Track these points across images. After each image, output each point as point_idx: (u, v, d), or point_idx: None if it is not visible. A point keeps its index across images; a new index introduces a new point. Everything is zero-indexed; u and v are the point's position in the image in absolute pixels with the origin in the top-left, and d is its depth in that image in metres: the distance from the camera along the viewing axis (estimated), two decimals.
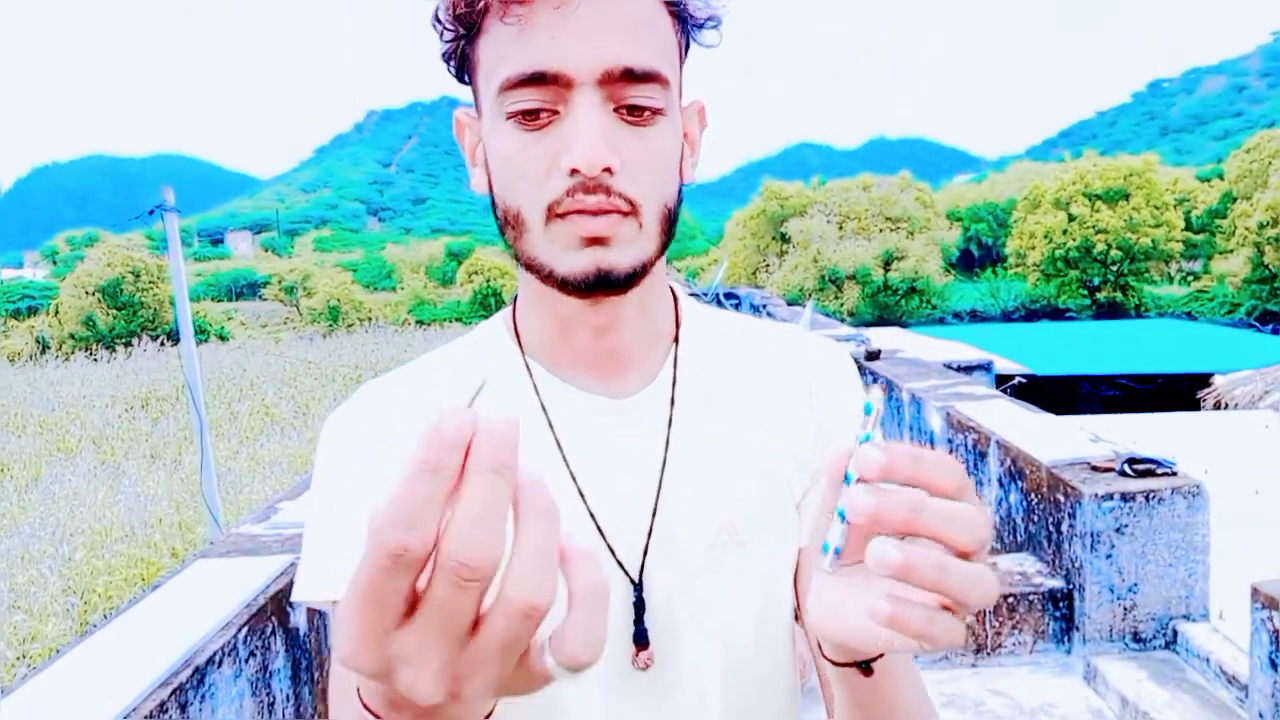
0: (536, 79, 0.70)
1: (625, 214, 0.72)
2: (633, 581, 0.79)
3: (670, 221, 0.76)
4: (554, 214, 0.72)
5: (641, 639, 0.79)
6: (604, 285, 0.73)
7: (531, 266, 0.75)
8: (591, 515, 0.78)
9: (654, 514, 0.80)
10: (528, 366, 0.82)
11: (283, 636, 2.82)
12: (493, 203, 0.77)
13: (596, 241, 0.72)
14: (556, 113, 0.71)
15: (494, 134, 0.74)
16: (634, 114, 0.72)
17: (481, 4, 0.71)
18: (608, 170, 0.70)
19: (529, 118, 0.71)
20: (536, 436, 0.80)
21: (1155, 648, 3.76)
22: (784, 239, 37.31)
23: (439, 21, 0.75)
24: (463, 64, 0.77)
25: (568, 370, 0.82)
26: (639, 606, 0.79)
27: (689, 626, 0.81)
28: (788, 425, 0.87)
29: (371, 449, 0.79)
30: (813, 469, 0.87)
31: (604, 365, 0.81)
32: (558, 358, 0.82)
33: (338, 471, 0.79)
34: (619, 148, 0.71)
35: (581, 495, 0.79)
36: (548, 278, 0.74)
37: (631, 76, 0.71)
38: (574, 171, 0.70)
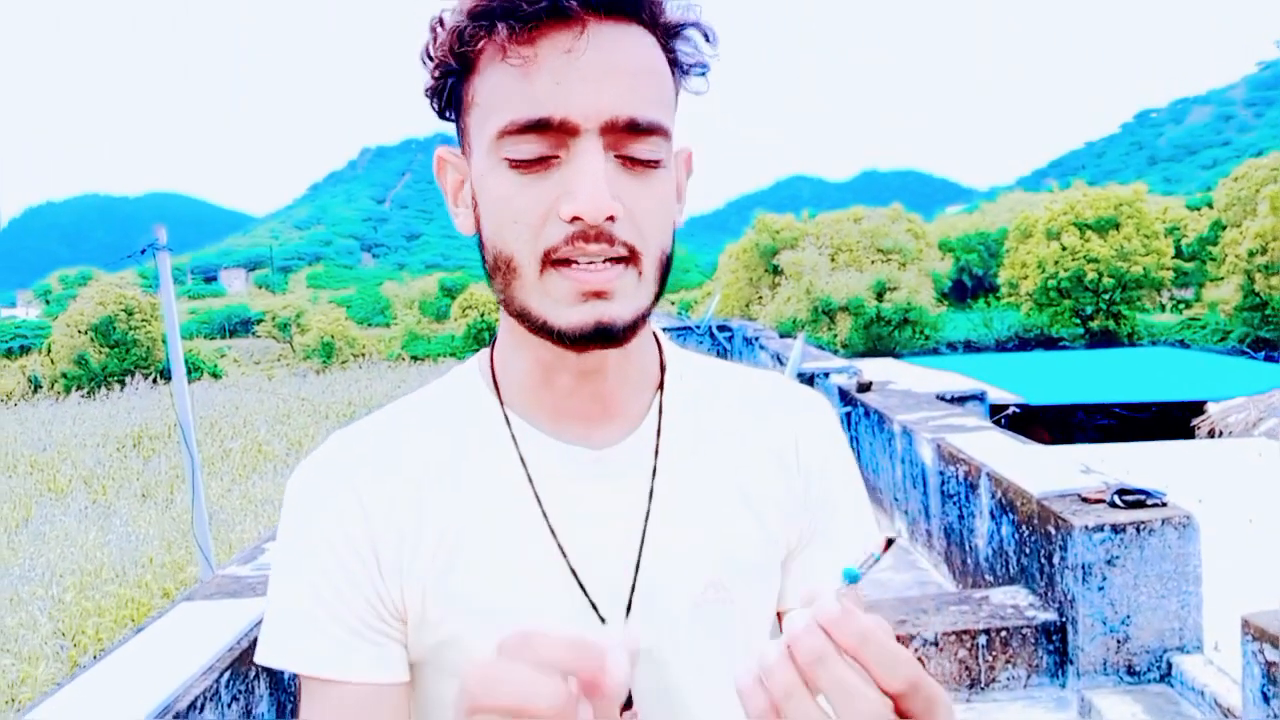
0: (540, 125, 0.68)
1: (626, 263, 0.71)
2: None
3: (666, 269, 0.75)
4: (550, 262, 0.70)
5: (625, 700, 0.77)
6: (603, 339, 0.71)
7: (523, 315, 0.73)
8: (573, 571, 0.76)
9: (637, 569, 0.78)
10: (506, 417, 0.80)
11: (266, 680, 2.79)
12: (481, 246, 0.75)
13: (597, 295, 0.70)
14: (556, 158, 0.69)
15: (488, 176, 0.72)
16: (636, 163, 0.71)
17: (480, 43, 0.69)
18: (610, 218, 0.69)
19: (527, 166, 0.70)
20: (514, 491, 0.77)
21: (1150, 681, 3.73)
22: (776, 271, 37.41)
23: (429, 57, 0.74)
24: (450, 101, 0.75)
25: (548, 418, 0.79)
26: None
27: (674, 686, 0.79)
28: (774, 476, 0.85)
29: (336, 508, 0.77)
30: (799, 522, 0.86)
31: (587, 412, 0.79)
32: (538, 405, 0.79)
33: (301, 531, 0.77)
34: (620, 195, 0.69)
35: (562, 551, 0.76)
36: (540, 329, 0.72)
37: (635, 129, 0.69)
38: (575, 219, 0.68)
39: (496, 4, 0.67)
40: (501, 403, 0.80)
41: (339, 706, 0.74)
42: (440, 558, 0.76)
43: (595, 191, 0.67)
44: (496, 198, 0.72)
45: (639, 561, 0.78)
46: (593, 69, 0.68)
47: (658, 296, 0.75)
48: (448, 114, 0.77)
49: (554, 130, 0.68)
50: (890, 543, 0.52)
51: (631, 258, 0.71)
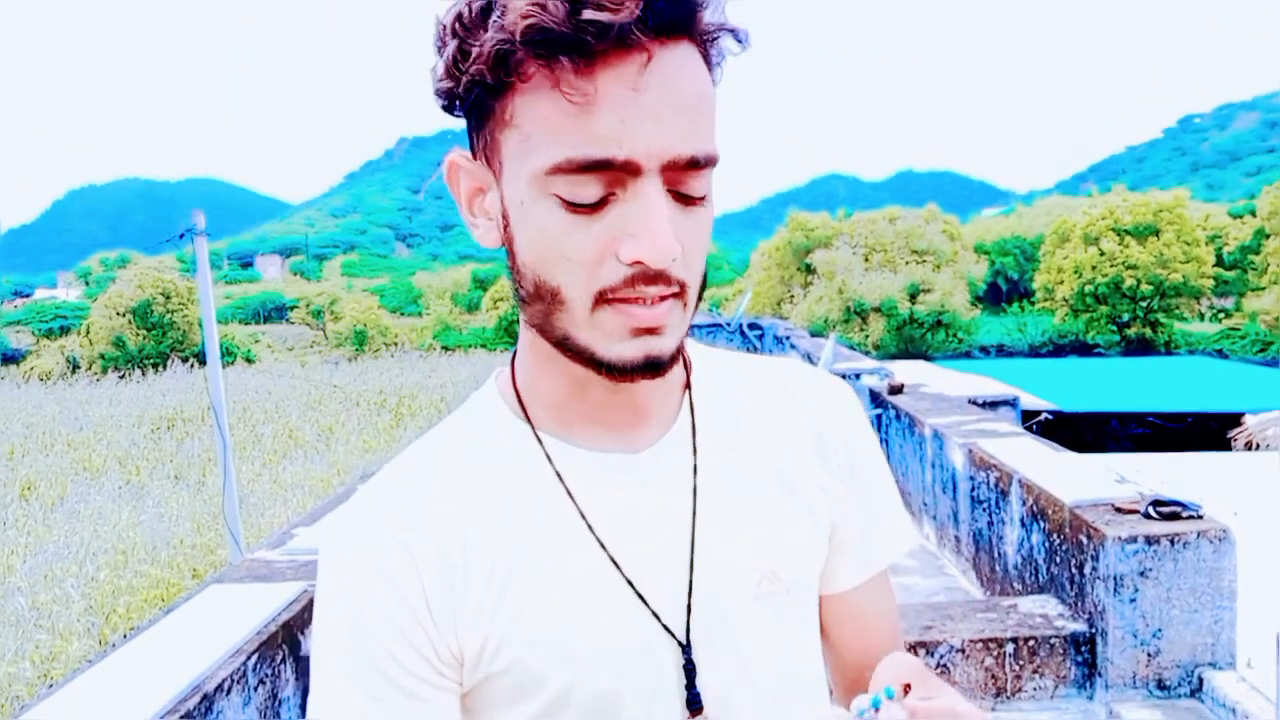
0: (602, 165, 0.64)
1: (675, 297, 0.69)
2: (680, 644, 0.76)
3: (702, 292, 0.74)
4: (603, 299, 0.68)
5: (694, 703, 0.76)
6: (649, 370, 0.70)
7: (566, 345, 0.71)
8: (629, 583, 0.75)
9: (691, 569, 0.77)
10: (538, 438, 0.78)
11: (293, 664, 2.82)
12: (514, 269, 0.72)
13: (649, 331, 0.69)
14: (613, 194, 0.66)
15: (531, 207, 0.68)
16: (686, 199, 0.68)
17: (529, 68, 0.64)
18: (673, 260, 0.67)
19: (579, 209, 0.66)
20: (557, 511, 0.76)
21: (1180, 696, 3.67)
22: (809, 270, 37.27)
23: (454, 64, 0.67)
24: (473, 109, 0.70)
25: (581, 430, 0.78)
26: (689, 669, 0.76)
27: (741, 684, 0.78)
28: (811, 457, 0.85)
29: (379, 563, 0.74)
30: (841, 499, 0.86)
31: (621, 420, 0.78)
32: (570, 419, 0.78)
33: (346, 593, 0.74)
34: (679, 233, 0.67)
35: (614, 562, 0.75)
36: (585, 359, 0.70)
37: (695, 165, 0.67)
38: (636, 262, 0.66)
39: (555, 30, 0.61)
40: (530, 423, 0.79)
41: None
42: (492, 593, 0.74)
43: (662, 236, 0.65)
44: (544, 231, 0.68)
45: (692, 562, 0.77)
46: (656, 105, 0.64)
47: (693, 316, 0.75)
48: (460, 112, 0.72)
49: (614, 170, 0.65)
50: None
51: (681, 292, 0.70)
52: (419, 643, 0.73)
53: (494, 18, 0.64)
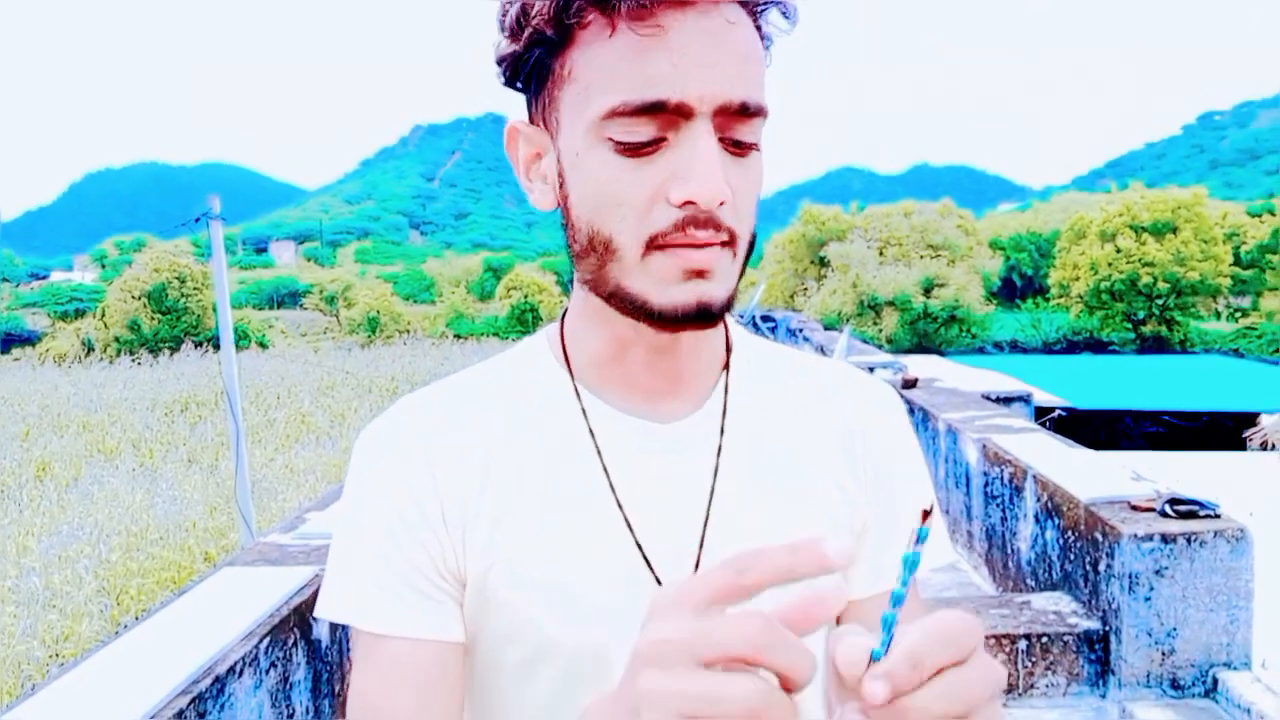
0: (655, 108, 0.67)
1: (724, 245, 0.70)
2: None
3: (751, 249, 0.75)
4: (655, 245, 0.69)
5: None
6: (702, 318, 0.71)
7: (617, 296, 0.72)
8: (638, 545, 0.76)
9: (701, 547, 0.77)
10: (576, 390, 0.80)
11: (304, 648, 2.82)
12: (569, 226, 0.74)
13: (698, 274, 0.70)
14: (665, 139, 0.68)
15: (586, 156, 0.70)
16: (737, 146, 0.70)
17: (589, 16, 0.67)
18: (722, 203, 0.68)
19: (636, 146, 0.68)
20: (581, 457, 0.78)
21: (1194, 695, 3.65)
22: (823, 263, 37.19)
23: (517, 24, 0.71)
24: (533, 72, 0.73)
25: (618, 393, 0.80)
26: None
27: None
28: (838, 459, 0.85)
29: (402, 467, 0.77)
30: (863, 507, 0.85)
31: (658, 388, 0.80)
32: (608, 379, 0.80)
33: (368, 488, 0.78)
34: (727, 179, 0.69)
35: (629, 524, 0.76)
36: (638, 309, 0.72)
37: (745, 112, 0.69)
38: (686, 204, 0.68)
39: None
40: (571, 374, 0.81)
41: (394, 662, 0.74)
42: (503, 525, 0.76)
43: (712, 178, 0.67)
44: (597, 179, 0.70)
45: (703, 540, 0.78)
46: (708, 51, 0.67)
47: (741, 276, 0.75)
48: (520, 84, 0.75)
49: (668, 112, 0.67)
50: (927, 514, 0.49)
51: (731, 240, 0.71)
52: (429, 545, 0.76)
53: None
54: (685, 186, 0.67)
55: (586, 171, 0.70)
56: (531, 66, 0.73)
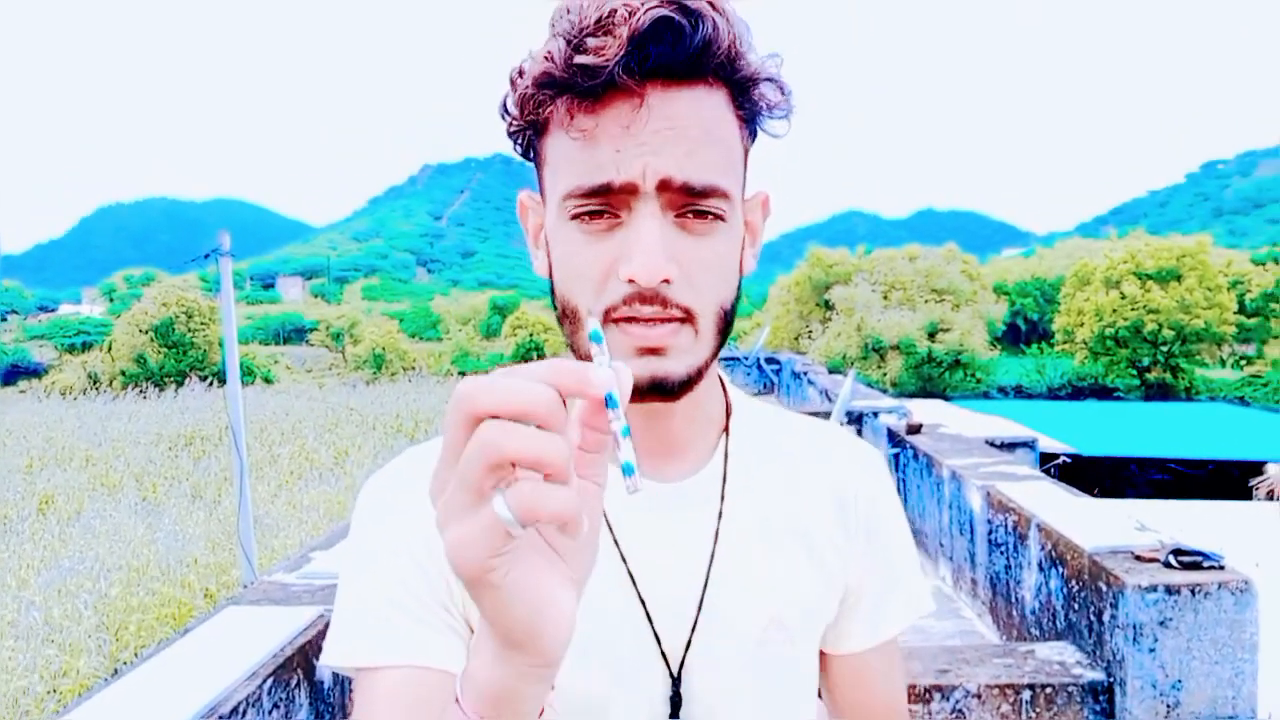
0: (601, 190, 0.70)
1: (682, 322, 0.72)
2: (672, 676, 0.78)
3: (727, 323, 0.76)
4: (611, 319, 0.72)
5: None
6: (657, 392, 0.73)
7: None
8: (641, 601, 0.78)
9: (700, 607, 0.79)
10: None
11: (307, 689, 2.81)
12: (552, 291, 0.78)
13: (652, 351, 0.72)
14: (619, 217, 0.71)
15: (557, 230, 0.75)
16: (697, 217, 0.72)
17: (546, 111, 0.72)
18: (665, 281, 0.70)
19: (592, 218, 0.72)
20: None
21: None
22: (828, 306, 37.21)
23: (507, 113, 0.76)
24: (528, 150, 0.78)
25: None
26: (674, 701, 0.78)
27: None
28: (833, 522, 0.87)
29: (404, 520, 0.78)
30: (855, 569, 0.88)
31: (654, 451, 0.81)
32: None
33: (371, 539, 0.79)
34: (678, 257, 0.71)
35: (632, 578, 0.78)
36: None
37: (691, 192, 0.71)
38: (631, 281, 0.70)
39: (559, 76, 0.69)
40: None
41: (395, 690, 0.72)
42: None
43: (650, 257, 0.69)
44: (564, 252, 0.74)
45: (702, 600, 0.79)
46: (651, 136, 0.70)
47: (719, 348, 0.77)
48: (529, 158, 0.80)
49: (615, 193, 0.70)
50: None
51: (688, 318, 0.73)
52: (439, 590, 0.76)
53: (527, 67, 0.73)
54: (629, 264, 0.70)
55: (558, 245, 0.75)
56: (526, 145, 0.78)
